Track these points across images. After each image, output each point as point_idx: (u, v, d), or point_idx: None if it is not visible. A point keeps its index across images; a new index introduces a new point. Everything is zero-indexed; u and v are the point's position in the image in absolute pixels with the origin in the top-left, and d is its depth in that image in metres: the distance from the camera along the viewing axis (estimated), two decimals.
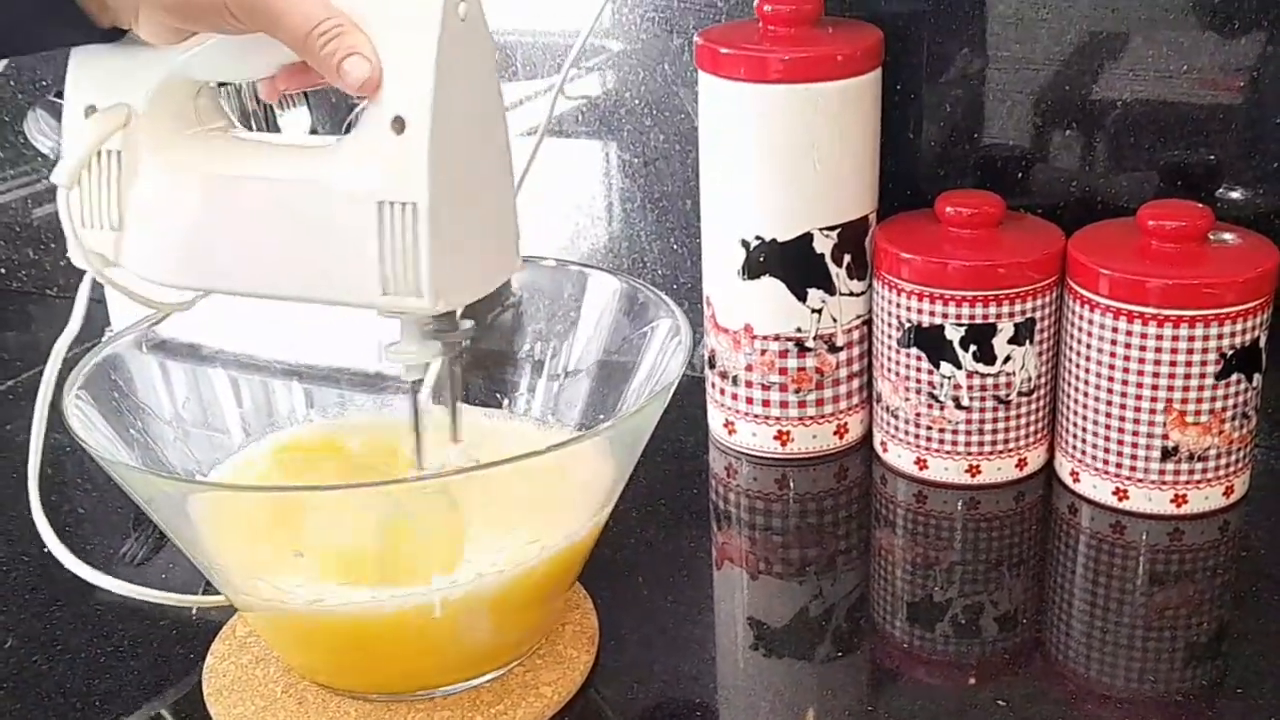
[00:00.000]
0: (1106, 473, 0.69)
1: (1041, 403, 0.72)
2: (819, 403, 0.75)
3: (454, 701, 0.56)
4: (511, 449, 0.54)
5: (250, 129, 0.76)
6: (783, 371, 0.74)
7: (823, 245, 0.72)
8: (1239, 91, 0.71)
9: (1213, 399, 0.66)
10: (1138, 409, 0.67)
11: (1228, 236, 0.68)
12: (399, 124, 0.46)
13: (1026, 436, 0.72)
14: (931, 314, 0.70)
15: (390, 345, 0.53)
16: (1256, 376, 0.67)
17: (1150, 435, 0.67)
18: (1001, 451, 0.72)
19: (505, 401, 0.67)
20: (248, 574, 0.53)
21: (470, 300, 0.52)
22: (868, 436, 0.78)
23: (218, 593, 0.59)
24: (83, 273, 0.55)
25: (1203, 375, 0.66)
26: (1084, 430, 0.70)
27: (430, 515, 0.53)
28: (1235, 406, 0.67)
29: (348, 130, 0.49)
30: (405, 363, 0.53)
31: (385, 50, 0.47)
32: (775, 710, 0.57)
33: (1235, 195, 0.72)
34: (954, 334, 0.69)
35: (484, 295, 0.52)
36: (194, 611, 0.64)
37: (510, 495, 0.52)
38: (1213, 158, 0.72)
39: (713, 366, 0.77)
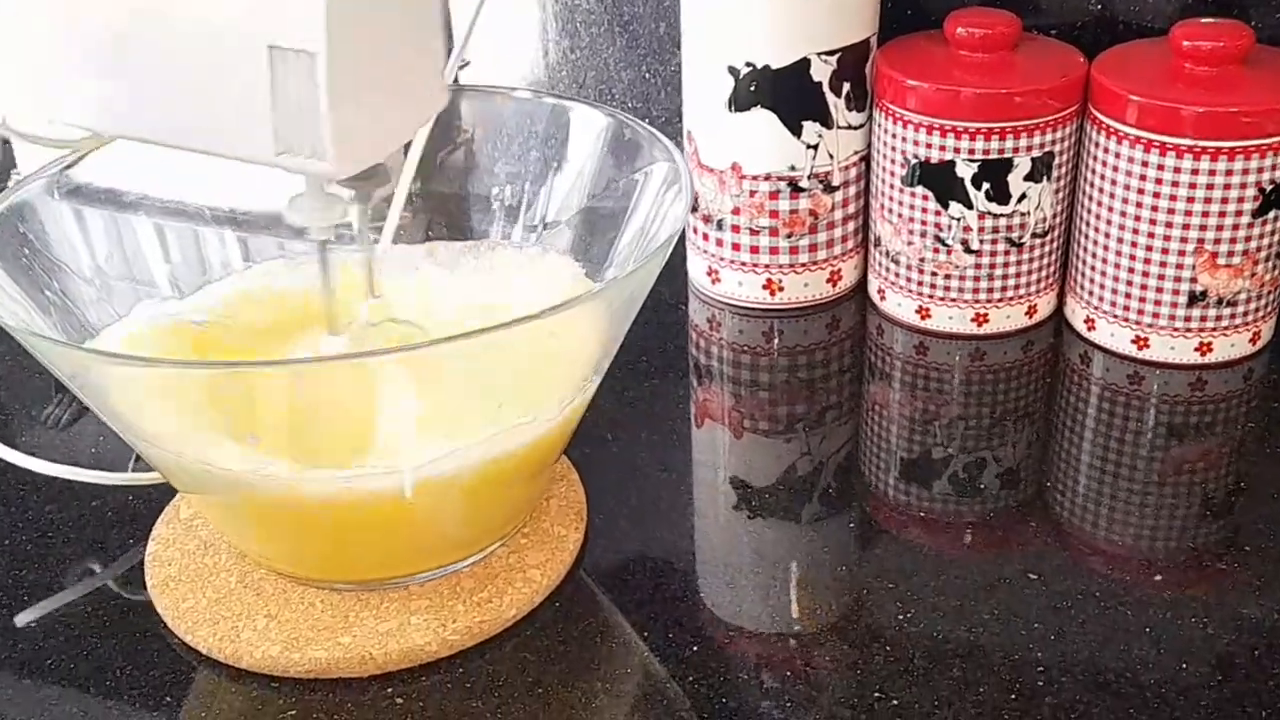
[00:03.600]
0: (1126, 320, 0.64)
1: (1055, 245, 0.66)
2: (812, 248, 0.69)
3: (431, 589, 0.50)
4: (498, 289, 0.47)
5: None
6: (773, 214, 0.68)
7: (820, 72, 0.64)
8: None
9: (1247, 239, 0.61)
10: (1165, 250, 0.61)
11: None
12: None
13: (1038, 281, 0.67)
14: (941, 149, 0.63)
15: (293, 199, 0.46)
16: None
17: (1178, 279, 0.62)
18: (1011, 298, 0.66)
19: None
20: (193, 457, 0.46)
21: (381, 158, 0.45)
22: (862, 283, 0.72)
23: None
24: None
25: (1238, 213, 0.60)
26: (1103, 275, 0.64)
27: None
28: (1270, 247, 0.61)
29: None
30: (311, 223, 0.46)
31: None
32: (777, 582, 0.52)
33: (1272, 14, 0.66)
34: (965, 170, 0.63)
35: (398, 148, 0.46)
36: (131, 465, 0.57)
37: (489, 366, 0.45)
38: None
39: (695, 210, 0.70)
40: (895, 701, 0.46)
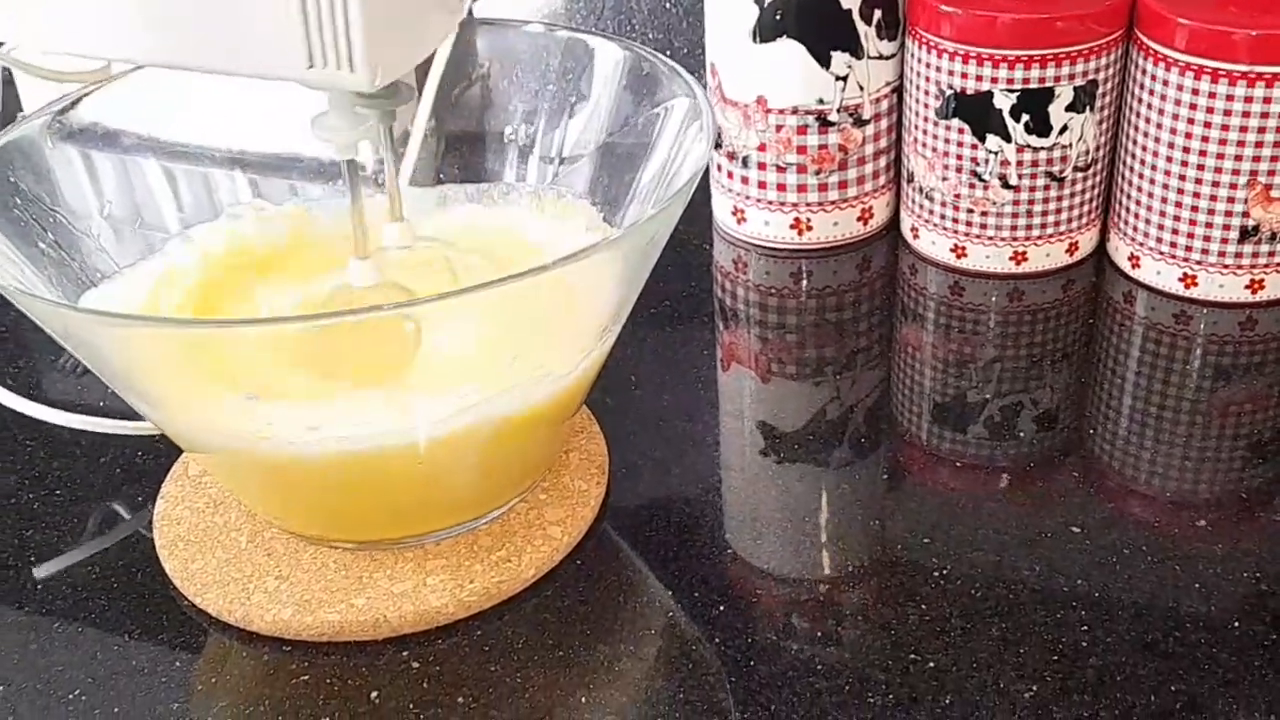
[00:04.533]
0: (1174, 257, 0.61)
1: (1098, 179, 0.63)
2: (841, 185, 0.66)
3: (448, 549, 0.48)
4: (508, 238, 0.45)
5: None
6: (801, 150, 0.65)
7: None
8: None
9: None
10: (1216, 183, 0.58)
11: None
12: None
13: (1080, 218, 0.64)
14: (977, 78, 0.60)
15: (317, 118, 0.45)
16: None
17: (1229, 213, 0.59)
18: (1051, 235, 0.63)
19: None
20: (193, 418, 0.44)
21: (409, 68, 0.43)
22: (895, 221, 0.69)
23: None
24: None
25: None
26: (1149, 209, 0.61)
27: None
28: None
29: None
30: (336, 141, 0.45)
31: None
32: (807, 537, 0.50)
33: None
34: (1004, 102, 0.60)
35: (423, 59, 0.44)
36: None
37: (501, 318, 0.43)
38: None
39: (719, 146, 0.67)
40: (931, 664, 0.44)
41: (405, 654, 0.46)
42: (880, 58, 0.63)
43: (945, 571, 0.48)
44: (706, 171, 0.70)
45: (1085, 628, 0.45)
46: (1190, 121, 0.58)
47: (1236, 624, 0.45)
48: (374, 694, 0.44)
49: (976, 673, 0.43)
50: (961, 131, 0.62)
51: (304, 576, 0.48)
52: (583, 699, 0.44)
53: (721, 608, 0.47)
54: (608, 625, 0.46)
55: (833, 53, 0.62)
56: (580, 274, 0.41)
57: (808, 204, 0.66)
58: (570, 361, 0.46)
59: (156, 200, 0.57)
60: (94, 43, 0.42)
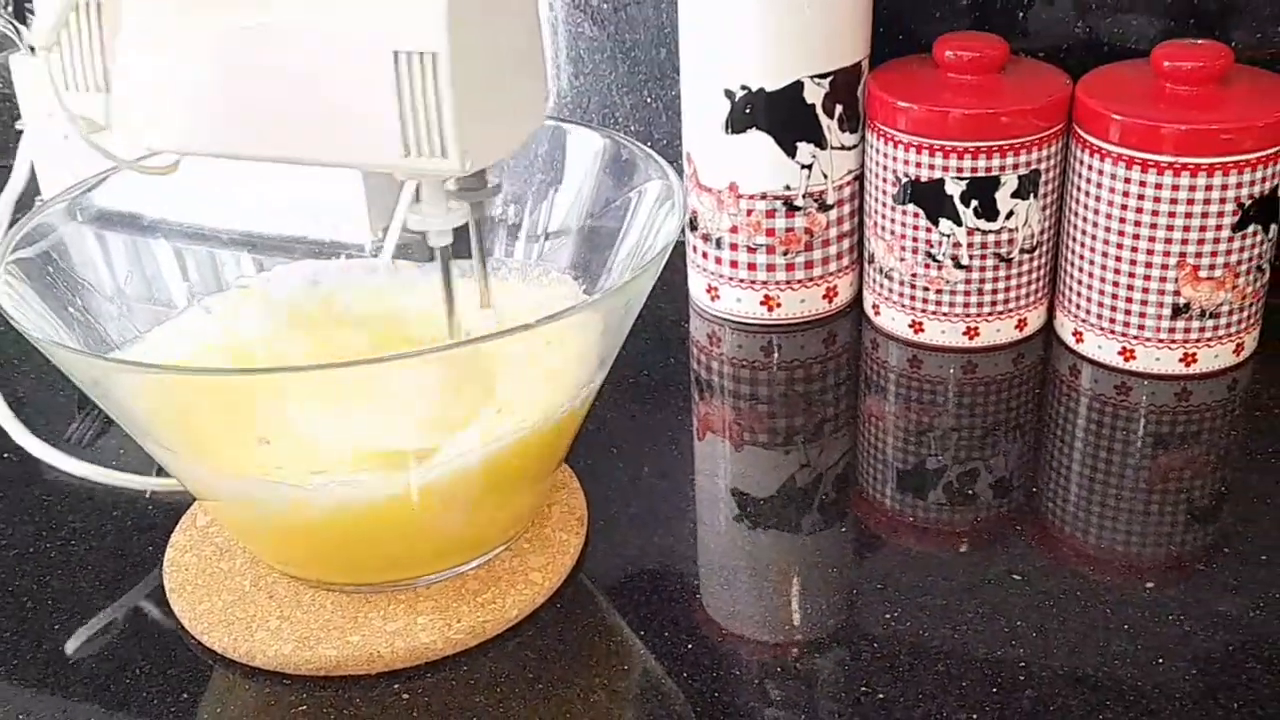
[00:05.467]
0: (1112, 332, 0.66)
1: (1043, 260, 0.68)
2: (808, 265, 0.71)
3: (437, 591, 0.52)
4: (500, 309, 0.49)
5: None
6: (770, 232, 0.70)
7: (814, 95, 0.66)
8: None
9: (1228, 252, 0.62)
10: (1149, 264, 0.63)
11: None
12: None
13: (1027, 296, 0.68)
14: (930, 167, 0.65)
15: (414, 205, 0.49)
16: (1273, 227, 0.63)
17: (1161, 292, 0.64)
18: (1001, 312, 0.68)
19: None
20: (207, 463, 0.48)
21: (500, 158, 0.48)
22: (858, 299, 0.74)
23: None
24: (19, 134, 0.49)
25: (1218, 227, 0.62)
26: (1089, 288, 0.66)
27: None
28: (1250, 260, 0.63)
29: None
30: (431, 228, 0.49)
31: None
32: (771, 584, 0.54)
33: (1251, 34, 0.68)
34: (954, 188, 0.65)
35: (515, 151, 0.49)
36: (149, 493, 0.60)
37: (491, 372, 0.48)
38: None
39: (694, 229, 0.72)
40: (881, 696, 0.48)
41: (397, 687, 0.49)
42: (842, 148, 0.69)
43: (896, 615, 0.52)
44: (684, 253, 0.75)
45: (1022, 664, 0.49)
46: (1124, 208, 0.63)
47: (1160, 661, 0.49)
48: None
49: (922, 703, 0.47)
50: (917, 216, 0.67)
51: (304, 616, 0.51)
52: None
53: (689, 645, 0.51)
54: (584, 662, 0.50)
55: (798, 144, 0.68)
56: (559, 335, 0.46)
57: (777, 283, 0.71)
58: (551, 416, 0.50)
59: (165, 277, 0.62)
60: (199, 141, 0.46)
